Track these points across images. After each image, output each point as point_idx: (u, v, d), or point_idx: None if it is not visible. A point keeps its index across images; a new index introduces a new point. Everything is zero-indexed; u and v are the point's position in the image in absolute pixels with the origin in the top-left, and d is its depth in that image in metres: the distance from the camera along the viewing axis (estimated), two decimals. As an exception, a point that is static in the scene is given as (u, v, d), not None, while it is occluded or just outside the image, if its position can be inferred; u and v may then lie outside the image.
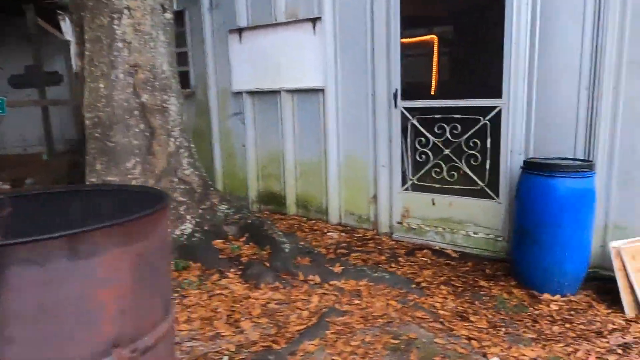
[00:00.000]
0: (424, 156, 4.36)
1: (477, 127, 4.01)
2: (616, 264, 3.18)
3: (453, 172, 4.21)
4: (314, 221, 5.19)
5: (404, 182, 4.53)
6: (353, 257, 4.12)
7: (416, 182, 4.46)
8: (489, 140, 3.98)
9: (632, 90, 3.37)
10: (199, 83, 5.95)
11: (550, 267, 3.30)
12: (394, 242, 4.53)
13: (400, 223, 4.60)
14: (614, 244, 3.23)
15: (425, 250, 4.28)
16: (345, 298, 3.20)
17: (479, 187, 4.08)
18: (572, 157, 3.61)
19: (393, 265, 3.95)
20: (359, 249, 4.34)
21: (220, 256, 3.65)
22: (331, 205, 5.01)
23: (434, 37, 6.91)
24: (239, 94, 5.52)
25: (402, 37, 4.29)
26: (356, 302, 3.16)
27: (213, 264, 3.56)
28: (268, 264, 3.58)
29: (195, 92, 6.02)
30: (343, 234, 4.75)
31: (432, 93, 6.46)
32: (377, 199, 4.66)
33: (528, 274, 3.45)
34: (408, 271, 3.82)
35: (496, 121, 3.89)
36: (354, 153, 4.81)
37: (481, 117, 3.97)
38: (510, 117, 3.80)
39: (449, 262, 4.06)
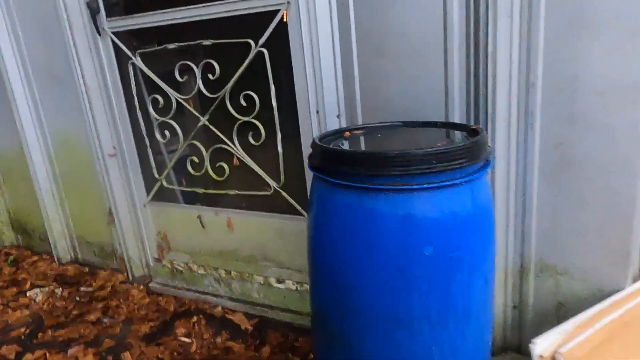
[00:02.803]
0: (167, 132, 2.14)
1: (247, 64, 1.81)
2: (549, 399, 1.21)
3: (222, 163, 2.04)
4: (36, 257, 2.90)
5: (149, 184, 2.31)
6: (18, 368, 1.93)
7: (167, 185, 2.25)
8: (273, 92, 1.81)
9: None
10: None
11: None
12: (148, 301, 2.37)
13: (159, 260, 2.43)
14: (537, 348, 1.24)
15: (196, 318, 2.17)
16: None
17: (270, 192, 1.95)
18: (442, 119, 1.55)
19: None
20: (58, 334, 2.14)
21: None
22: (54, 227, 2.72)
23: None
24: None
25: None
26: None
27: None
28: None
29: None
30: (61, 288, 2.51)
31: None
32: (116, 215, 2.42)
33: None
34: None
35: (281, 47, 1.71)
36: (68, 132, 2.49)
37: (251, 41, 1.77)
38: (305, 32, 1.63)
39: (230, 346, 1.98)
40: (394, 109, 1.62)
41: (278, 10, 1.67)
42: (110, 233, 2.53)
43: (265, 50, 1.75)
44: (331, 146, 1.25)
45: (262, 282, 2.10)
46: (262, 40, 1.74)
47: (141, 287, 2.46)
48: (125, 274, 2.55)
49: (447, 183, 1.10)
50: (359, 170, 1.12)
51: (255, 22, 1.72)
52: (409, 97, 1.59)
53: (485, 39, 1.42)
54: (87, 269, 2.70)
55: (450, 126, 1.43)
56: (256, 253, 2.10)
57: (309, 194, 1.37)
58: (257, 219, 2.02)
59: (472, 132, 1.31)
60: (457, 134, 1.37)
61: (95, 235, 2.64)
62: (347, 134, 1.44)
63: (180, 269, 2.33)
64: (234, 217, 2.08)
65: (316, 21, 1.61)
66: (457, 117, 1.54)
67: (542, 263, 1.58)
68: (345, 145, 1.35)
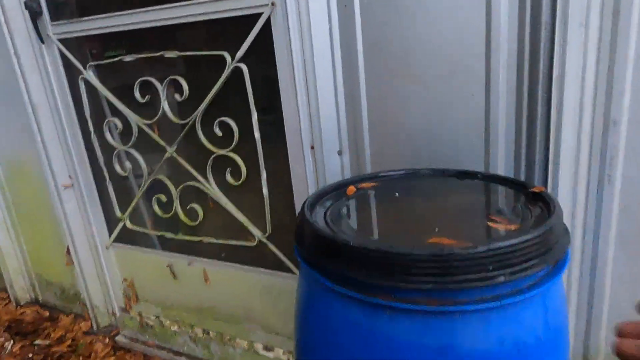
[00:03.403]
0: (128, 163, 1.73)
1: (221, 83, 1.39)
2: None
3: (194, 205, 1.63)
4: (-8, 296, 2.52)
5: (111, 223, 1.91)
6: None
7: (130, 226, 1.84)
8: (255, 119, 1.39)
9: None
10: None
11: None
12: (113, 359, 1.98)
13: (126, 311, 2.03)
14: None
15: (167, 385, 1.77)
16: None
17: (254, 243, 1.54)
18: (481, 164, 1.13)
19: None
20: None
21: None
22: (9, 264, 2.34)
23: None
24: None
25: None
26: None
27: None
28: None
29: None
30: (13, 341, 2.12)
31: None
32: (75, 256, 2.03)
33: None
34: None
35: (264, 62, 1.29)
36: (19, 156, 2.10)
37: (226, 54, 1.35)
38: (296, 42, 1.21)
39: None
40: (414, 146, 1.21)
41: (260, 14, 1.25)
42: (72, 274, 2.14)
43: (244, 66, 1.34)
44: (329, 228, 0.84)
45: (246, 348, 1.71)
46: (239, 54, 1.32)
47: (107, 340, 2.07)
48: (90, 323, 2.16)
49: (512, 299, 0.69)
50: (371, 275, 0.71)
51: (231, 29, 1.31)
52: (434, 132, 1.18)
53: (547, 57, 1.01)
54: (47, 313, 2.32)
55: (497, 181, 1.02)
56: (239, 313, 1.70)
57: (297, 282, 0.96)
58: (239, 274, 1.62)
59: (533, 197, 0.90)
60: (505, 192, 0.96)
61: (56, 276, 2.26)
62: (352, 189, 1.04)
63: (151, 323, 1.93)
64: (210, 269, 1.68)
65: (310, 28, 1.19)
66: (500, 163, 1.12)
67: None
68: (350, 215, 0.94)
